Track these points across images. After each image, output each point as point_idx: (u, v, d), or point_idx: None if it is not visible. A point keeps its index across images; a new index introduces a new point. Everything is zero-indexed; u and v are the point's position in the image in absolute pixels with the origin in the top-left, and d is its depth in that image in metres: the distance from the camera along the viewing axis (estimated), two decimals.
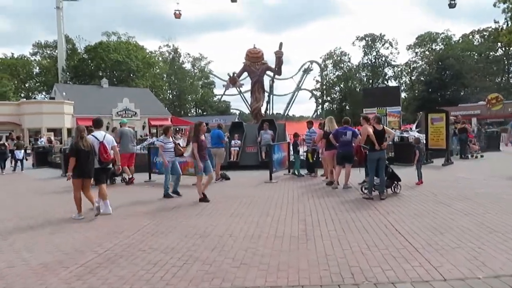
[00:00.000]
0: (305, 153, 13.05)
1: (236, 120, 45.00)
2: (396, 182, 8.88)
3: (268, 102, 25.31)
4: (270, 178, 11.45)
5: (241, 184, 11.00)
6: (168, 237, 5.96)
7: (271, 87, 25.78)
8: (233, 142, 15.37)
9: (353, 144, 9.83)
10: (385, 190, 8.46)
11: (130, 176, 12.25)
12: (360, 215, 6.88)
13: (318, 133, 11.46)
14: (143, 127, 44.67)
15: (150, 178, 12.67)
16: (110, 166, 8.06)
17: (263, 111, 25.17)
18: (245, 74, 26.23)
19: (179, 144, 9.82)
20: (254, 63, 24.17)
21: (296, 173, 12.58)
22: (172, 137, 9.75)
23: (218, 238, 5.77)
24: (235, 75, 24.41)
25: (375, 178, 8.50)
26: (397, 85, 60.60)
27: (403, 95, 53.41)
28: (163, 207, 8.23)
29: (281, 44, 22.74)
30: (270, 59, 24.21)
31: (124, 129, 12.52)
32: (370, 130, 8.53)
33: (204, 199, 8.49)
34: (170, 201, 8.95)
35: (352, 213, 7.06)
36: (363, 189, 8.91)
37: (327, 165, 11.13)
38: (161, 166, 12.15)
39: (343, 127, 10.04)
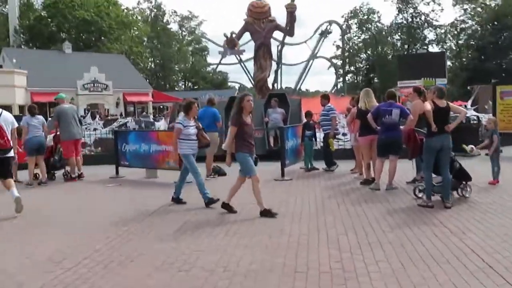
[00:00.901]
0: (321, 141, 11.83)
1: (235, 95, 43.74)
2: (464, 182, 7.67)
3: (276, 72, 24.04)
4: (282, 175, 10.28)
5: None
6: (128, 270, 4.78)
7: (280, 53, 24.49)
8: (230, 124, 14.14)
9: (401, 127, 8.67)
10: (450, 194, 7.25)
11: (80, 172, 11.12)
12: (420, 235, 5.68)
13: (351, 112, 10.23)
14: (117, 104, 43.63)
15: (117, 173, 11.54)
16: (11, 155, 7.57)
17: (270, 83, 24.02)
18: (247, 35, 24.92)
19: (203, 129, 8.20)
20: (259, 21, 22.92)
21: (307, 166, 11.46)
22: (195, 119, 8.18)
23: (205, 274, 4.58)
24: (233, 35, 23.12)
25: (434, 176, 7.29)
26: (441, 50, 59.00)
27: (447, 63, 51.84)
28: (128, 218, 7.07)
29: None
30: (279, 17, 22.88)
31: (63, 107, 11.28)
32: (428, 106, 7.27)
33: (268, 212, 6.95)
34: (140, 208, 7.77)
35: (407, 231, 5.87)
36: (417, 191, 7.77)
37: (361, 156, 9.96)
38: (133, 157, 11.04)
39: (386, 103, 8.84)
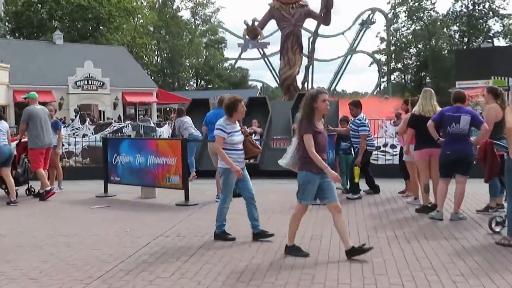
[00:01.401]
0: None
1: (257, 95, 43.23)
2: None
3: (307, 69, 23.41)
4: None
5: (262, 209, 9.12)
6: None
7: (313, 45, 23.87)
8: (249, 130, 13.53)
9: (472, 138, 7.95)
10: None
11: (49, 188, 10.63)
12: (504, 287, 4.91)
13: (403, 119, 9.49)
14: (114, 105, 43.45)
15: (105, 191, 10.99)
16: None
17: (299, 81, 23.43)
18: (273, 23, 24.47)
19: (253, 133, 7.39)
20: (287, 6, 22.55)
21: (344, 186, 10.81)
22: (239, 122, 7.41)
23: None
24: (255, 23, 22.63)
25: None
26: (510, 44, 57.66)
27: None
28: (112, 257, 6.43)
29: None
30: (312, 2, 22.31)
31: (34, 108, 10.78)
32: (510, 113, 6.51)
33: (358, 249, 6.12)
34: (169, 245, 7.14)
35: (486, 281, 5.11)
36: (493, 224, 7.04)
37: (416, 176, 9.19)
38: (126, 172, 10.50)
39: (452, 107, 8.10)
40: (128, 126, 17.38)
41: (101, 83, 42.35)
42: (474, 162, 7.98)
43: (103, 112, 40.06)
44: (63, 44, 46.45)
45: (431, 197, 8.65)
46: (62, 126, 13.74)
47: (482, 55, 42.04)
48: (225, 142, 6.92)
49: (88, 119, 19.66)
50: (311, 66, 25.07)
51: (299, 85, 22.98)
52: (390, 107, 24.27)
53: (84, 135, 18.31)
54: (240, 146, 7.08)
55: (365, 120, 10.38)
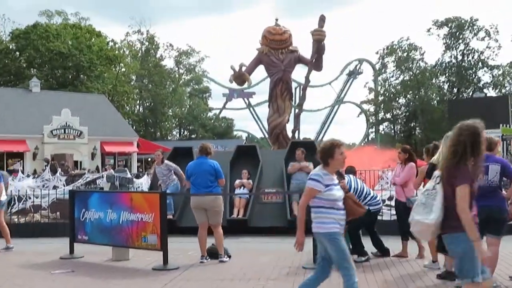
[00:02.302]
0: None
1: (244, 144, 42.24)
2: None
3: (297, 117, 22.50)
4: (314, 260, 8.30)
5: (255, 275, 7.91)
6: None
7: (304, 92, 23.02)
8: (237, 182, 12.34)
9: (504, 192, 6.92)
10: None
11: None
12: None
13: (420, 170, 8.46)
14: (92, 156, 42.11)
15: (71, 252, 9.69)
16: None
17: (289, 131, 22.49)
18: (260, 70, 23.59)
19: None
20: (276, 51, 21.68)
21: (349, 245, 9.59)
22: (336, 175, 5.96)
23: None
24: (243, 68, 21.79)
25: None
26: (500, 94, 57.71)
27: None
28: None
29: (322, 19, 20.19)
30: (302, 47, 21.67)
31: None
32: None
33: None
34: None
35: None
36: None
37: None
38: (95, 230, 9.30)
39: None
40: (102, 177, 16.16)
41: (79, 132, 41.15)
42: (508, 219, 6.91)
43: (80, 162, 38.70)
44: (40, 91, 45.39)
45: None
46: (9, 178, 12.60)
47: (475, 105, 41.71)
48: (319, 197, 5.39)
49: (59, 170, 18.44)
50: (300, 114, 24.07)
51: (289, 134, 22.00)
52: (385, 157, 23.36)
53: (54, 187, 17.01)
54: (341, 204, 5.52)
55: (352, 186, 8.99)
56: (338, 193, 5.48)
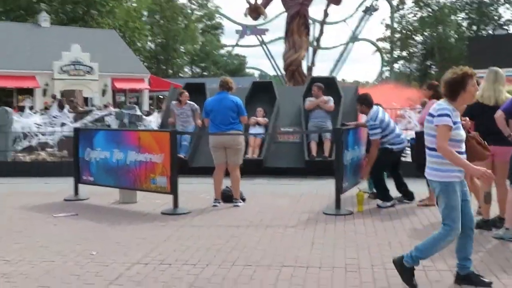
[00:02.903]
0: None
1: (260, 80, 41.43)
2: None
3: (315, 52, 21.55)
4: (338, 205, 7.66)
5: (271, 221, 7.27)
6: None
7: (322, 27, 21.96)
8: (252, 120, 11.58)
9: None
10: None
11: None
12: None
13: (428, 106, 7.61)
14: (103, 92, 41.39)
15: (76, 193, 9.11)
16: None
17: (304, 67, 21.61)
18: (272, 9, 22.43)
19: (255, 125, 5.24)
20: None
21: (372, 189, 8.91)
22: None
23: None
24: (258, 1, 20.72)
25: None
26: None
27: None
28: None
29: None
30: None
31: None
32: None
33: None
34: None
35: None
36: None
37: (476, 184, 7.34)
38: (101, 170, 8.71)
39: None
40: (113, 114, 15.46)
41: (89, 69, 40.23)
42: None
43: (91, 99, 37.97)
44: (50, 27, 44.24)
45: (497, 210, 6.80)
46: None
47: (497, 43, 40.18)
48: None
49: (68, 106, 17.76)
50: (316, 52, 23.08)
51: (305, 70, 21.11)
52: (404, 95, 22.44)
53: (62, 124, 16.37)
54: (463, 147, 4.64)
55: (379, 117, 8.18)
56: (463, 133, 4.61)
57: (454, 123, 4.43)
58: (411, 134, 11.77)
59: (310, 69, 21.34)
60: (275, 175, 11.01)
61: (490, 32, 61.53)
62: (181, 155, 11.30)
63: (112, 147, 8.58)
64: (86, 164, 9.02)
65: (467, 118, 5.82)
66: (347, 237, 6.27)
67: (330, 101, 11.50)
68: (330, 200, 8.24)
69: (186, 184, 9.93)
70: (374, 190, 8.74)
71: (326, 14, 20.76)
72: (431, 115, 4.54)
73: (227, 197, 8.49)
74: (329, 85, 12.14)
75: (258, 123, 11.76)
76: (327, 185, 9.59)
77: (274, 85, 12.94)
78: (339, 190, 7.62)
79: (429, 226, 6.86)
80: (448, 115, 4.40)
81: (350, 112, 11.83)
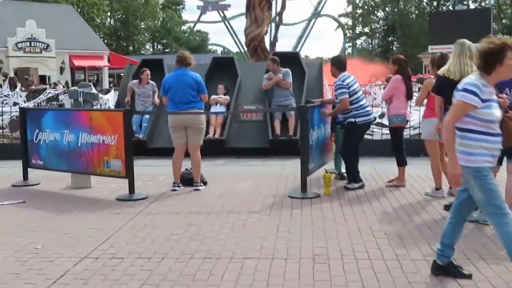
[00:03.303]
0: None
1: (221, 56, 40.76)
2: None
3: (277, 27, 21.00)
4: (304, 188, 7.24)
5: (234, 207, 6.82)
6: None
7: (283, 2, 21.37)
8: (212, 99, 11.02)
9: None
10: None
11: None
12: None
13: (425, 84, 7.22)
14: (61, 70, 40.14)
15: (25, 178, 8.49)
16: None
17: (267, 42, 21.07)
18: None
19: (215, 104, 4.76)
20: None
21: (339, 169, 8.56)
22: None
23: None
24: None
25: None
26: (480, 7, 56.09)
27: None
28: None
29: None
30: None
31: None
32: None
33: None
34: None
35: None
36: None
37: (439, 160, 7.04)
38: (51, 153, 8.10)
39: None
40: (65, 93, 14.66)
41: (46, 45, 38.88)
42: None
43: (48, 77, 36.70)
44: (3, 1, 42.56)
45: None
46: None
47: (457, 18, 40.25)
48: (472, 116, 3.95)
49: (19, 85, 16.89)
50: (279, 26, 22.50)
51: (268, 46, 20.58)
52: (369, 71, 22.18)
53: (15, 104, 15.55)
54: (497, 128, 4.05)
55: (348, 81, 7.66)
56: (497, 112, 4.03)
57: (484, 100, 3.91)
58: (377, 111, 11.50)
59: (273, 44, 20.82)
60: (237, 155, 10.55)
61: (450, 7, 61.96)
62: (140, 136, 10.74)
63: (62, 128, 7.95)
64: (35, 147, 8.37)
65: (505, 95, 5.32)
66: (314, 224, 5.85)
67: (286, 75, 10.88)
68: (295, 182, 7.84)
69: (144, 167, 9.45)
70: (342, 171, 8.37)
71: None
72: (457, 89, 4.06)
73: (187, 180, 7.98)
74: (292, 60, 11.67)
75: (217, 102, 11.19)
76: (292, 165, 9.20)
77: (236, 61, 12.37)
78: (305, 172, 7.20)
79: (399, 209, 6.50)
80: (473, 92, 3.89)
81: (314, 88, 11.42)
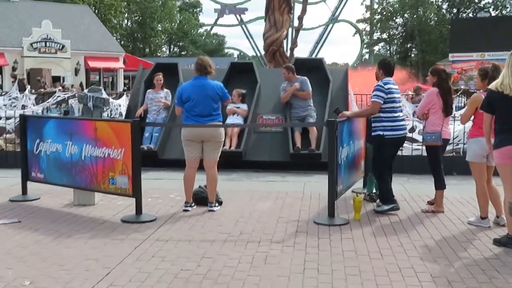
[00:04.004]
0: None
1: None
2: None
3: (298, 31, 20.18)
4: (331, 213, 6.41)
5: (248, 231, 6.04)
6: None
7: (305, 3, 20.56)
8: (229, 108, 10.16)
9: None
10: None
11: None
12: None
13: (472, 100, 6.37)
14: (76, 71, 39.59)
15: (24, 192, 7.74)
16: None
17: (286, 47, 20.28)
18: None
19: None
20: None
21: (370, 190, 7.73)
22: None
23: None
24: None
25: None
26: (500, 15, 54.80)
27: None
28: None
29: None
30: None
31: None
32: None
33: None
34: None
35: None
36: None
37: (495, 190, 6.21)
38: (52, 166, 7.40)
39: None
40: (75, 97, 13.93)
41: (61, 46, 38.35)
42: None
43: (63, 78, 36.16)
44: (19, 1, 42.13)
45: None
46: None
47: (480, 25, 39.08)
48: None
49: (29, 87, 16.24)
50: (299, 31, 21.68)
51: (288, 52, 19.77)
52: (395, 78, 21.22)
53: (23, 107, 14.90)
54: None
55: (390, 86, 6.81)
56: None
57: None
58: (407, 124, 10.61)
59: (292, 49, 19.95)
60: (255, 169, 9.74)
61: (471, 15, 60.67)
62: (151, 146, 9.98)
63: (65, 139, 7.20)
64: (35, 159, 7.61)
65: None
66: (346, 260, 5.02)
67: (304, 84, 10.08)
68: (320, 204, 7.08)
69: (154, 180, 8.74)
70: (374, 191, 7.56)
71: None
72: None
73: (201, 199, 7.20)
74: (316, 67, 10.83)
75: (234, 112, 10.36)
76: (315, 183, 8.47)
77: (255, 66, 11.52)
78: (333, 195, 6.36)
79: (442, 242, 5.64)
80: None
81: (339, 98, 10.58)
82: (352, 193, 7.69)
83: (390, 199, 6.91)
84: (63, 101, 14.42)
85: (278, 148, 9.95)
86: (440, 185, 6.98)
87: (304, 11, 20.37)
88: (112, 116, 12.96)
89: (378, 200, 7.07)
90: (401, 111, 7.11)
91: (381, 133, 6.88)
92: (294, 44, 20.08)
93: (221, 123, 7.21)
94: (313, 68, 10.65)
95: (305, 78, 10.13)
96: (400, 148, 7.95)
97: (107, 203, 7.31)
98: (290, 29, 24.23)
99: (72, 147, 7.09)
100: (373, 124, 7.08)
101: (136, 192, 6.49)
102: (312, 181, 8.80)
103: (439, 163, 7.03)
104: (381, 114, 6.88)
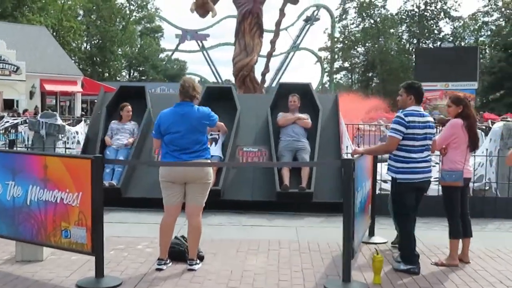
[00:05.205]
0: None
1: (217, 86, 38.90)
2: None
3: (269, 56, 19.05)
4: (346, 277, 5.01)
5: None
6: None
7: (278, 28, 19.46)
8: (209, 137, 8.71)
9: None
10: None
11: None
12: None
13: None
14: (31, 94, 37.47)
15: None
16: None
17: (257, 72, 19.14)
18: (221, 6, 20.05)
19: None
20: None
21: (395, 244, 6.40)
22: None
23: None
24: None
25: None
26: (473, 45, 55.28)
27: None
28: None
29: None
30: None
31: None
32: None
33: None
34: None
35: None
36: None
37: None
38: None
39: None
40: (24, 123, 12.22)
41: (15, 68, 36.21)
42: None
43: (17, 102, 34.04)
44: None
45: None
46: None
47: (444, 55, 39.00)
48: None
49: None
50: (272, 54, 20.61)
51: (258, 76, 18.62)
52: (367, 107, 20.33)
53: None
54: None
55: (414, 119, 5.57)
56: None
57: None
58: None
59: (264, 74, 18.79)
60: (236, 210, 8.29)
61: (431, 45, 61.25)
62: (113, 182, 8.44)
63: (6, 178, 5.65)
64: None
65: None
66: None
67: (308, 117, 9.05)
68: (323, 258, 5.73)
69: (118, 224, 7.24)
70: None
71: (282, 14, 18.29)
72: None
73: (177, 253, 5.72)
74: (304, 93, 9.53)
75: (214, 141, 8.95)
76: (309, 229, 7.21)
77: (234, 91, 10.11)
78: (349, 254, 4.98)
79: None
80: None
81: (329, 127, 9.28)
82: (370, 246, 6.34)
83: (410, 259, 5.56)
84: (13, 127, 12.72)
85: (262, 186, 8.51)
86: (453, 232, 5.80)
87: (277, 35, 19.27)
88: (68, 146, 11.30)
89: (397, 255, 5.75)
90: (424, 152, 5.74)
91: (393, 175, 5.62)
92: (266, 69, 18.93)
93: (208, 161, 5.74)
94: (299, 94, 9.34)
95: (308, 115, 9.16)
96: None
97: (57, 258, 5.75)
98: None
99: (15, 189, 5.53)
100: (388, 161, 5.82)
101: (96, 248, 4.98)
102: (305, 226, 7.45)
103: (456, 206, 5.81)
104: (397, 152, 5.60)
